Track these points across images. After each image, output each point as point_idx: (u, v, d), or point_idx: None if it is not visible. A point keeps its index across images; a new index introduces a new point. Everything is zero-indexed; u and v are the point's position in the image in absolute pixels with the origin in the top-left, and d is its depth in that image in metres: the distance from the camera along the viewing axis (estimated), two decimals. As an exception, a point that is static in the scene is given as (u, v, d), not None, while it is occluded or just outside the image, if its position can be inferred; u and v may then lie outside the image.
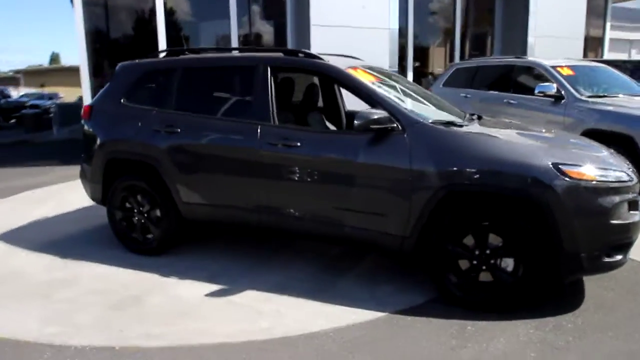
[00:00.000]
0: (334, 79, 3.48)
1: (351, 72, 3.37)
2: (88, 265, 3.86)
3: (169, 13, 8.70)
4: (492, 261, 2.98)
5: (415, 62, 10.78)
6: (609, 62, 7.58)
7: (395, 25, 9.24)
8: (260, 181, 3.45)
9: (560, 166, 2.82)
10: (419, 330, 2.84)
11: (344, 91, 4.73)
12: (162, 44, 8.57)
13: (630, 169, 3.09)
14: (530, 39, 10.40)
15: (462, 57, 11.00)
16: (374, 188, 3.15)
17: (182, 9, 9.22)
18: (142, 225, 4.02)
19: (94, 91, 8.38)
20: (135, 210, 4.03)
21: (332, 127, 4.57)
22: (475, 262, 3.01)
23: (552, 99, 6.01)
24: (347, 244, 3.52)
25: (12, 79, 40.18)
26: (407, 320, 2.96)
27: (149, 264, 3.83)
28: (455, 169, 2.95)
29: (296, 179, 3.35)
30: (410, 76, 10.22)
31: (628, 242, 2.94)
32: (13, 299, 3.33)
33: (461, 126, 3.24)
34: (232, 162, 3.56)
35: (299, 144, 3.32)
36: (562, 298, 3.19)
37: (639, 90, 6.28)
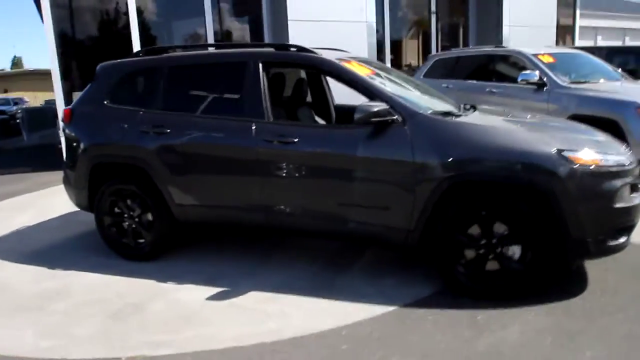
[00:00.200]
0: (329, 73, 3.41)
1: (346, 65, 3.30)
2: (78, 275, 3.70)
3: (141, 12, 8.45)
4: (499, 250, 2.97)
5: (391, 54, 10.78)
6: (584, 49, 7.72)
7: (372, 18, 9.20)
8: (257, 179, 3.36)
9: (564, 152, 2.82)
10: (430, 324, 2.80)
11: (331, 85, 4.67)
12: (136, 43, 8.33)
13: (629, 153, 3.12)
14: (505, 29, 10.52)
15: (437, 49, 11.05)
16: (376, 182, 3.10)
17: (154, 7, 8.97)
18: (133, 230, 3.88)
19: (66, 95, 8.09)
20: (125, 215, 3.88)
21: (321, 122, 4.51)
22: (482, 251, 2.99)
23: (535, 87, 6.07)
24: (351, 240, 3.47)
25: (-28, 86, 38.64)
26: (417, 313, 2.92)
27: (142, 270, 3.69)
28: (458, 159, 2.92)
29: (294, 176, 3.27)
30: (388, 69, 10.19)
31: (631, 224, 2.97)
32: (3, 313, 3.16)
33: (460, 116, 3.21)
34: (226, 161, 3.46)
35: (296, 140, 3.24)
36: (566, 283, 3.21)
37: (617, 76, 6.41)
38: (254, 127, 3.33)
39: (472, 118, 3.21)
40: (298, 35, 8.27)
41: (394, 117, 3.02)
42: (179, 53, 3.90)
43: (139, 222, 3.85)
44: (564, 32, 12.95)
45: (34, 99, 30.55)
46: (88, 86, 4.07)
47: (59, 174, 7.61)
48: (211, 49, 4.48)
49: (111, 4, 8.57)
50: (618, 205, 2.85)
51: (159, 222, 3.78)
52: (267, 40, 9.21)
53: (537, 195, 2.86)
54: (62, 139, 8.10)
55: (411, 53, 11.81)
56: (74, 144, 3.99)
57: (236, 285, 3.38)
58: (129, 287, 3.45)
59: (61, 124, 8.01)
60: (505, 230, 2.95)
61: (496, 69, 6.89)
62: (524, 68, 6.31)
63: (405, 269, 3.53)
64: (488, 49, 7.29)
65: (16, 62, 61.56)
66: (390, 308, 2.98)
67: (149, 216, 3.82)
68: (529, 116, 3.79)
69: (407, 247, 3.18)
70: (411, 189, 3.00)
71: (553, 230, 2.87)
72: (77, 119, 3.99)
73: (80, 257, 4.05)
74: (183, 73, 3.70)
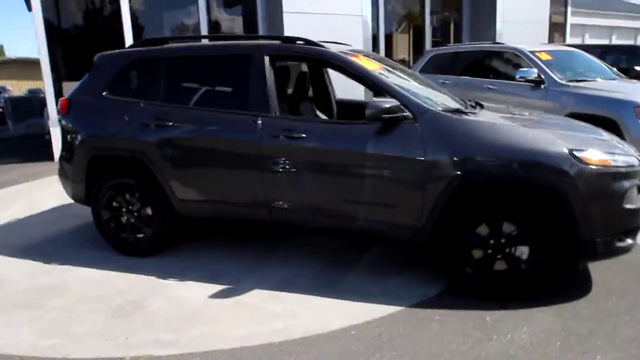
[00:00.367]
0: (338, 68, 3.34)
1: (356, 59, 3.24)
2: (75, 270, 3.61)
3: (133, 2, 8.25)
4: (508, 250, 2.95)
5: (386, 49, 10.73)
6: (579, 47, 7.75)
7: (368, 12, 9.14)
8: (262, 175, 3.29)
9: (576, 152, 2.80)
10: (439, 324, 2.78)
11: (333, 79, 4.61)
12: (128, 32, 8.15)
13: (637, 153, 3.12)
14: (499, 25, 10.53)
15: (433, 44, 11.02)
16: (386, 179, 3.05)
17: (147, -4, 8.77)
18: (132, 225, 3.79)
19: (55, 84, 7.89)
20: (124, 210, 3.78)
21: (322, 117, 4.45)
22: (490, 251, 2.97)
23: (533, 84, 6.09)
24: (357, 237, 3.43)
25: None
26: (426, 313, 2.89)
27: (141, 266, 3.62)
28: (470, 157, 2.89)
29: (301, 172, 3.21)
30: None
31: (638, 226, 2.97)
32: (-1, 310, 3.06)
33: (470, 114, 3.18)
34: (230, 155, 3.39)
35: (304, 135, 3.18)
36: (572, 284, 3.21)
37: (613, 75, 6.45)
38: (259, 122, 3.26)
39: (482, 116, 3.18)
40: (293, 27, 8.17)
41: (405, 114, 2.98)
42: (182, 44, 3.79)
43: (138, 216, 3.76)
44: (554, 30, 13.01)
45: (17, 87, 29.87)
46: (85, 76, 3.94)
47: (48, 165, 7.58)
48: (212, 41, 4.37)
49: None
50: (627, 206, 2.86)
51: (159, 217, 3.69)
52: (261, 32, 9.09)
53: (547, 195, 2.84)
54: (51, 129, 7.96)
55: (404, 48, 11.77)
56: (71, 136, 3.87)
57: (239, 283, 3.32)
58: (128, 284, 3.37)
59: (50, 113, 7.86)
60: (514, 230, 2.94)
61: (493, 66, 6.89)
62: (522, 65, 6.32)
63: (410, 267, 3.50)
64: (485, 45, 7.29)
65: (-2, 49, 60.07)
66: (398, 308, 2.95)
67: (149, 211, 3.73)
68: (527, 113, 3.77)
69: (414, 245, 3.15)
70: (421, 187, 2.96)
71: (562, 231, 2.86)
72: (74, 109, 3.87)
73: (76, 252, 3.95)
74: (186, 65, 3.60)
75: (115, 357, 2.54)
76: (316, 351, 2.55)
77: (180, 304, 3.07)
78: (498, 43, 7.25)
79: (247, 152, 3.29)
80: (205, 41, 4.56)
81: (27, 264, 3.74)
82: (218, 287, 3.26)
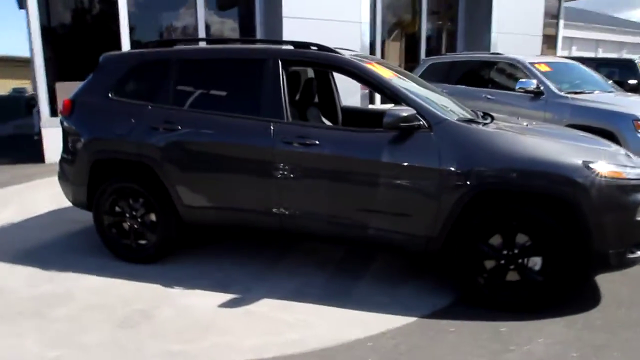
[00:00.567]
0: (353, 75, 3.32)
1: (371, 67, 3.22)
2: (77, 277, 3.51)
3: (130, 2, 8.15)
4: (521, 260, 2.95)
5: (382, 57, 10.76)
6: (576, 59, 7.86)
7: (366, 19, 9.16)
8: (274, 182, 3.24)
9: (590, 164, 2.81)
10: (455, 335, 2.75)
11: (340, 86, 4.59)
12: (125, 33, 8.04)
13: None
14: (494, 35, 10.65)
15: (428, 53, 11.09)
16: (401, 188, 3.03)
17: (143, -3, 8.67)
18: (136, 231, 3.70)
19: (49, 84, 7.73)
20: (127, 215, 3.70)
21: (328, 123, 4.41)
22: (503, 261, 2.96)
23: (532, 95, 6.14)
24: (370, 246, 3.39)
25: None
26: (440, 324, 2.87)
27: (145, 274, 3.53)
28: (485, 168, 2.88)
29: (314, 179, 3.17)
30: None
31: (648, 238, 2.99)
32: (1, 319, 2.94)
33: (484, 124, 3.17)
34: (241, 161, 3.33)
35: (317, 142, 3.14)
36: (581, 295, 3.22)
37: (609, 87, 6.54)
38: (272, 128, 3.22)
39: (496, 127, 3.18)
40: (292, 32, 8.16)
41: (420, 123, 2.96)
42: (192, 46, 3.73)
43: (142, 222, 3.67)
44: (545, 42, 13.20)
45: (1, 86, 29.34)
46: (90, 77, 3.86)
47: (40, 167, 7.41)
48: (224, 44, 4.31)
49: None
50: (639, 218, 2.87)
51: (164, 223, 3.61)
52: (259, 36, 9.05)
53: (561, 206, 2.85)
54: (43, 130, 7.79)
55: (399, 56, 11.82)
56: (74, 138, 3.77)
57: (248, 291, 3.26)
58: (133, 292, 3.28)
59: (43, 114, 7.69)
60: (527, 240, 2.93)
61: (492, 76, 6.94)
62: (520, 76, 6.37)
63: (417, 277, 3.48)
64: (484, 55, 7.34)
65: (-19, 47, 59.01)
66: (411, 319, 2.93)
67: (153, 217, 3.65)
68: (536, 124, 3.79)
69: (427, 255, 3.12)
70: (436, 197, 2.95)
71: (575, 242, 2.86)
72: (78, 111, 3.78)
73: (75, 258, 3.84)
74: (197, 68, 3.53)
75: (125, 368, 2.47)
76: (333, 363, 2.51)
77: (189, 313, 3.00)
78: (496, 53, 7.31)
79: (259, 158, 3.24)
80: (204, 44, 4.50)
81: (25, 271, 3.62)
82: (226, 296, 3.19)
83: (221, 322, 2.89)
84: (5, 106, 15.53)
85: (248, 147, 3.30)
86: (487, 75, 7.00)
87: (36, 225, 4.72)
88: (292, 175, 3.19)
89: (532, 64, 6.35)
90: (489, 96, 6.73)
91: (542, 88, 6.07)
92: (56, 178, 4.11)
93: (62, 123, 3.92)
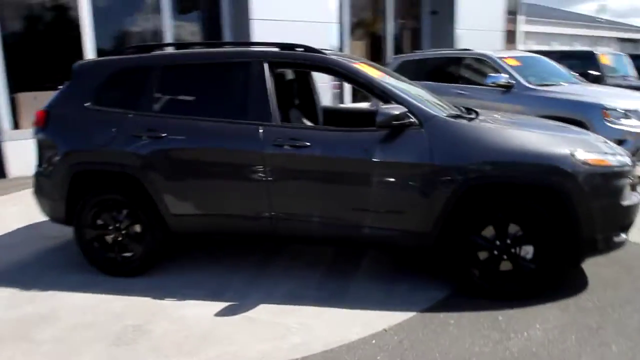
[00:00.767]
0: (342, 75, 3.31)
1: (360, 67, 3.23)
2: (61, 295, 3.35)
3: (93, 8, 7.89)
4: (514, 250, 3.01)
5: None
6: (539, 52, 8.12)
7: (337, 19, 9.20)
8: (265, 185, 3.20)
9: (577, 154, 2.90)
10: (456, 327, 2.79)
11: (319, 86, 4.58)
12: (89, 39, 7.79)
13: (626, 153, 3.27)
14: (458, 32, 10.87)
15: (395, 51, 11.22)
16: (394, 185, 3.05)
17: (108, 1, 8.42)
18: (120, 244, 3.57)
19: (10, 94, 7.39)
20: (111, 228, 3.57)
21: (309, 123, 4.40)
22: (496, 252, 3.02)
23: (503, 89, 6.29)
24: (364, 245, 3.40)
25: None
26: (440, 317, 2.89)
27: (132, 287, 3.40)
28: (476, 161, 2.94)
29: (306, 181, 3.15)
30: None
31: (631, 221, 3.12)
32: (-16, 345, 2.79)
33: (471, 119, 3.23)
34: (231, 166, 3.27)
35: (308, 143, 3.12)
36: (568, 280, 3.30)
37: (574, 79, 6.77)
38: (261, 131, 3.17)
39: (483, 121, 3.24)
40: (261, 35, 8.11)
41: (412, 120, 2.99)
42: (174, 51, 3.63)
43: (127, 234, 3.55)
44: (509, 37, 13.59)
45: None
46: (64, 86, 3.70)
47: (2, 182, 7.05)
48: (197, 48, 4.24)
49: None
50: (624, 203, 2.98)
51: (150, 234, 3.51)
52: (227, 39, 8.94)
53: (551, 196, 2.92)
54: (2, 144, 7.44)
55: (366, 55, 11.93)
56: (50, 151, 3.61)
57: (243, 298, 3.20)
58: (122, 307, 3.16)
59: (3, 126, 7.34)
60: (519, 230, 3.00)
61: (462, 71, 7.07)
62: (489, 70, 6.52)
63: (409, 271, 3.51)
64: (454, 51, 7.48)
65: None
66: (410, 314, 2.94)
67: (138, 228, 3.54)
68: (521, 117, 3.89)
69: (421, 250, 3.15)
70: (429, 192, 2.98)
71: (564, 229, 2.95)
72: (53, 122, 3.61)
73: (55, 276, 3.66)
74: (180, 73, 3.45)
75: (127, 386, 2.38)
76: (341, 364, 2.49)
77: (186, 324, 2.92)
78: (466, 49, 7.45)
79: (249, 162, 3.19)
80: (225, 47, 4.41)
81: (3, 292, 3.43)
82: (222, 304, 3.12)
83: (221, 332, 2.82)
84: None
85: (237, 151, 3.24)
86: (458, 71, 7.13)
87: (8, 243, 4.49)
88: (283, 178, 3.16)
89: (501, 58, 6.52)
90: (461, 91, 6.85)
91: (512, 82, 6.23)
92: (22, 193, 3.93)
93: (36, 135, 3.75)
